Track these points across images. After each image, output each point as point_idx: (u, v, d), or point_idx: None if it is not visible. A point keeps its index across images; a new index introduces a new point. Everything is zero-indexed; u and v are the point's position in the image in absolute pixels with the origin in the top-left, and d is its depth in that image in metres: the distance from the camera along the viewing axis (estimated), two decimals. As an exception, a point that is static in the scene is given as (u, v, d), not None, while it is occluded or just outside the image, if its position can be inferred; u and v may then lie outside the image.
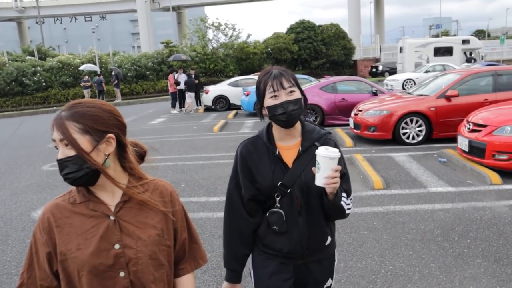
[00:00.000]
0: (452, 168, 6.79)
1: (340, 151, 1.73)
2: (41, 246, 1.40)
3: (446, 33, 52.75)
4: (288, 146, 1.86)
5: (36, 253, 1.42)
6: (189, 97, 17.64)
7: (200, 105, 18.58)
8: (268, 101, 1.79)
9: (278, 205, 1.82)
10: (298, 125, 1.86)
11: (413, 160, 7.40)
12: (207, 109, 17.89)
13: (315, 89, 11.90)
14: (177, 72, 18.19)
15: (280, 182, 1.79)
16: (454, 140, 7.46)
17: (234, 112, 16.36)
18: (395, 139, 8.68)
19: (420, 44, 28.80)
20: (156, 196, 1.49)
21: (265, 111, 1.83)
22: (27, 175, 8.20)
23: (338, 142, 1.91)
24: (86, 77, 24.22)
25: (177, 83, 17.76)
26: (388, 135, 8.70)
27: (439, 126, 8.55)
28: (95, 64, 27.22)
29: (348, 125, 10.18)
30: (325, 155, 1.63)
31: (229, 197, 1.94)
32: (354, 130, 9.44)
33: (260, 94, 1.83)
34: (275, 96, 1.77)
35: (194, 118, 15.81)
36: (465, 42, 28.13)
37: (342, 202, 1.78)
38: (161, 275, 1.46)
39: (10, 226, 5.38)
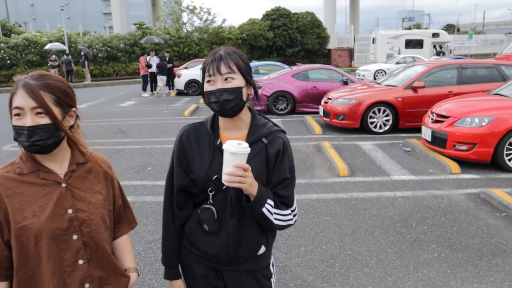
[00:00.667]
0: (415, 158, 6.98)
1: (281, 153, 1.63)
2: None
3: (418, 26, 53.72)
4: (232, 138, 1.64)
5: None
6: (161, 80, 17.38)
7: (173, 89, 18.36)
8: (205, 86, 1.61)
9: (211, 201, 1.64)
10: (246, 116, 1.68)
11: (378, 149, 7.56)
12: (179, 93, 17.69)
13: (287, 77, 11.93)
14: (148, 55, 17.85)
15: (215, 176, 1.60)
16: (419, 130, 7.65)
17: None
18: (363, 128, 8.83)
19: (392, 36, 29.20)
20: (99, 165, 1.63)
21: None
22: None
23: (289, 143, 1.72)
24: (54, 56, 23.48)
25: (148, 65, 17.44)
26: (356, 124, 8.84)
27: (405, 116, 8.74)
28: (63, 43, 26.37)
29: (318, 113, 10.28)
30: (226, 149, 1.47)
31: (165, 185, 1.79)
32: (324, 118, 9.54)
33: (202, 76, 1.66)
34: (211, 81, 1.58)
35: (166, 101, 15.61)
36: (435, 35, 28.68)
37: (264, 209, 1.58)
38: (108, 236, 1.61)
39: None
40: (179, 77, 17.43)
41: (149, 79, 17.77)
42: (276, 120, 10.74)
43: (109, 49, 27.92)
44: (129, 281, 1.68)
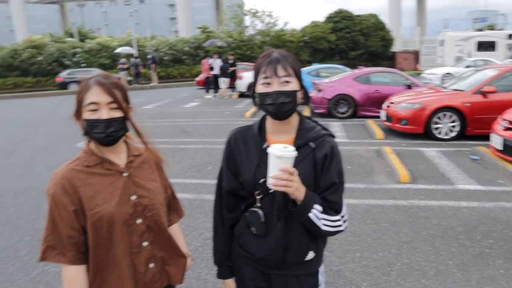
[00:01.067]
0: (483, 167, 6.61)
1: (329, 157, 1.61)
2: (65, 207, 1.54)
3: (491, 27, 50.65)
4: (280, 141, 1.63)
5: (60, 215, 1.54)
6: (223, 82, 17.77)
7: (235, 90, 18.69)
8: (259, 87, 1.61)
9: (259, 204, 1.65)
10: (294, 120, 1.68)
11: (443, 156, 7.24)
12: (242, 95, 17.97)
13: (348, 80, 11.76)
14: (211, 58, 18.31)
15: (262, 180, 1.60)
16: (488, 138, 7.23)
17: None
18: (427, 134, 8.49)
19: (461, 38, 27.74)
20: (152, 157, 1.80)
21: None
22: (62, 151, 8.57)
23: (337, 148, 1.68)
24: (123, 59, 24.75)
25: (211, 68, 17.89)
26: (420, 129, 8.53)
27: (473, 122, 8.30)
28: (132, 47, 27.75)
29: (379, 117, 10.03)
30: (272, 152, 1.46)
31: (216, 187, 1.83)
32: (386, 123, 9.30)
33: (254, 78, 1.65)
34: (267, 83, 1.58)
35: (228, 103, 15.94)
36: (511, 36, 26.90)
37: (311, 214, 1.56)
38: (166, 221, 1.77)
39: (43, 197, 5.65)
40: (240, 79, 17.70)
41: (211, 81, 18.23)
42: (336, 123, 10.66)
43: (174, 52, 29.00)
44: (187, 264, 1.84)
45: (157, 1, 75.38)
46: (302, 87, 1.65)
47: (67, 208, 1.54)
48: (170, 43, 29.61)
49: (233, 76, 18.22)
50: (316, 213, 1.57)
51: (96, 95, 1.53)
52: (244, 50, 30.06)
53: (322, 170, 1.63)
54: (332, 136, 1.71)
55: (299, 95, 1.63)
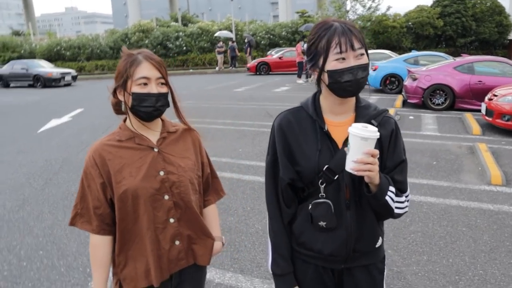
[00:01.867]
0: None
1: (394, 134, 1.49)
2: (94, 179, 1.61)
3: None
4: (338, 122, 1.51)
5: (89, 186, 1.62)
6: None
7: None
8: (333, 64, 1.40)
9: (323, 194, 1.48)
10: (352, 98, 1.51)
11: (550, 158, 6.37)
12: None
13: (448, 68, 10.83)
14: (305, 42, 18.08)
15: (326, 166, 1.45)
16: None
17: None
18: (534, 132, 7.54)
19: None
20: (188, 135, 1.81)
21: (324, 77, 1.45)
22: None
23: (397, 124, 1.55)
24: (221, 43, 25.54)
25: (303, 52, 17.68)
26: (526, 126, 7.59)
27: None
28: (231, 31, 28.45)
29: (480, 111, 9.12)
30: (356, 134, 1.32)
31: (266, 181, 1.64)
32: (486, 117, 8.41)
33: (320, 53, 1.43)
34: (342, 58, 1.39)
35: (317, 90, 15.66)
36: None
37: (387, 198, 1.43)
38: (196, 199, 1.74)
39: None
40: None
41: (305, 65, 18.04)
42: (429, 115, 9.93)
43: (271, 36, 29.16)
44: (214, 246, 1.80)
45: (259, -14, 76.29)
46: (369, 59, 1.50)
47: (95, 180, 1.61)
48: (267, 28, 29.81)
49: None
50: (391, 196, 1.45)
51: (148, 70, 1.57)
52: (342, 36, 29.19)
53: (388, 149, 1.51)
54: (388, 111, 1.58)
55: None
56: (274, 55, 24.28)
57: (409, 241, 3.82)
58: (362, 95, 1.57)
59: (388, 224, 3.54)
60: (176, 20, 34.42)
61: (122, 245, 1.65)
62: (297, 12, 32.25)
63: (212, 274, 3.33)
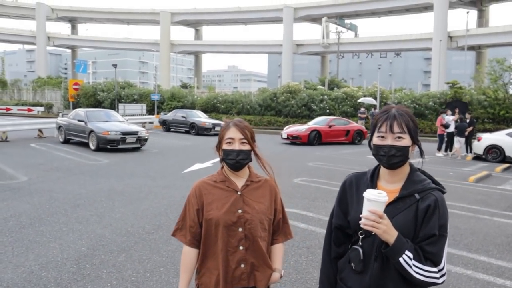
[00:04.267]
0: None
1: (431, 209, 1.71)
2: (193, 205, 2.21)
3: None
4: (388, 189, 1.82)
5: (189, 210, 2.23)
6: (458, 141, 16.58)
7: (470, 152, 17.16)
8: (375, 139, 1.84)
9: (360, 243, 1.83)
10: (405, 171, 1.85)
11: None
12: (477, 157, 16.37)
13: None
14: (446, 114, 17.40)
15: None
16: None
17: (506, 165, 14.43)
18: None
19: None
20: (268, 186, 2.29)
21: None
22: (280, 183, 9.76)
23: (443, 202, 1.78)
24: (363, 109, 25.90)
25: (445, 126, 17.01)
26: None
27: None
28: (375, 98, 28.66)
29: None
30: (364, 195, 1.68)
31: (327, 223, 2.09)
32: None
33: (372, 130, 1.90)
34: (382, 137, 1.81)
35: (457, 164, 14.80)
36: None
37: (401, 259, 1.68)
38: (264, 236, 2.20)
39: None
40: (479, 140, 16.20)
41: (446, 139, 17.28)
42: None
43: (417, 106, 28.46)
44: (272, 276, 2.22)
45: (413, 54, 75.36)
46: (415, 142, 1.83)
47: (193, 206, 2.21)
48: (414, 97, 29.24)
49: (469, 136, 16.87)
50: (406, 259, 1.68)
51: (233, 132, 2.16)
52: (497, 110, 27.08)
53: (422, 221, 1.75)
54: (442, 191, 1.83)
55: (410, 149, 1.81)
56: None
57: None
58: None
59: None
60: (324, 84, 36.01)
61: (203, 258, 2.20)
62: (447, 83, 31.04)
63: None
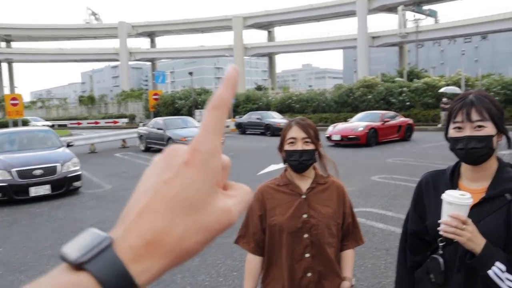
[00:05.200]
0: None
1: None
2: (255, 211, 2.13)
3: None
4: (472, 189, 1.57)
5: (251, 216, 2.15)
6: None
7: None
8: (451, 131, 1.59)
9: (441, 252, 1.60)
10: (492, 167, 1.59)
11: None
12: None
13: None
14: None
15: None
16: None
17: None
18: None
19: None
20: (335, 187, 2.14)
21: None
22: (357, 181, 9.42)
23: None
24: (445, 99, 24.24)
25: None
26: None
27: None
28: (459, 87, 26.75)
29: None
30: (443, 198, 1.44)
31: (402, 228, 1.90)
32: None
33: (447, 120, 1.64)
34: (458, 128, 1.56)
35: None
36: None
37: (490, 272, 1.43)
38: (333, 242, 2.06)
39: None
40: None
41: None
42: None
43: (508, 92, 26.12)
44: (342, 285, 2.08)
45: (502, 36, 69.04)
46: (501, 131, 1.56)
47: (256, 212, 2.12)
48: (504, 82, 26.85)
49: None
50: (497, 271, 1.44)
51: (295, 132, 2.04)
52: None
53: None
54: None
55: (495, 139, 1.55)
56: None
57: None
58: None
59: None
60: (402, 76, 34.41)
61: (268, 266, 2.11)
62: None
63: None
